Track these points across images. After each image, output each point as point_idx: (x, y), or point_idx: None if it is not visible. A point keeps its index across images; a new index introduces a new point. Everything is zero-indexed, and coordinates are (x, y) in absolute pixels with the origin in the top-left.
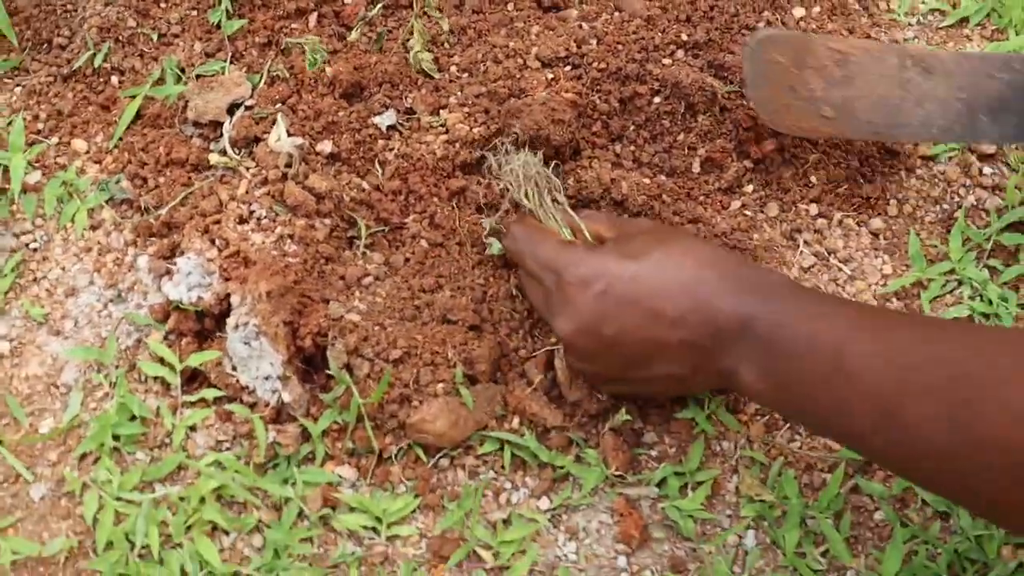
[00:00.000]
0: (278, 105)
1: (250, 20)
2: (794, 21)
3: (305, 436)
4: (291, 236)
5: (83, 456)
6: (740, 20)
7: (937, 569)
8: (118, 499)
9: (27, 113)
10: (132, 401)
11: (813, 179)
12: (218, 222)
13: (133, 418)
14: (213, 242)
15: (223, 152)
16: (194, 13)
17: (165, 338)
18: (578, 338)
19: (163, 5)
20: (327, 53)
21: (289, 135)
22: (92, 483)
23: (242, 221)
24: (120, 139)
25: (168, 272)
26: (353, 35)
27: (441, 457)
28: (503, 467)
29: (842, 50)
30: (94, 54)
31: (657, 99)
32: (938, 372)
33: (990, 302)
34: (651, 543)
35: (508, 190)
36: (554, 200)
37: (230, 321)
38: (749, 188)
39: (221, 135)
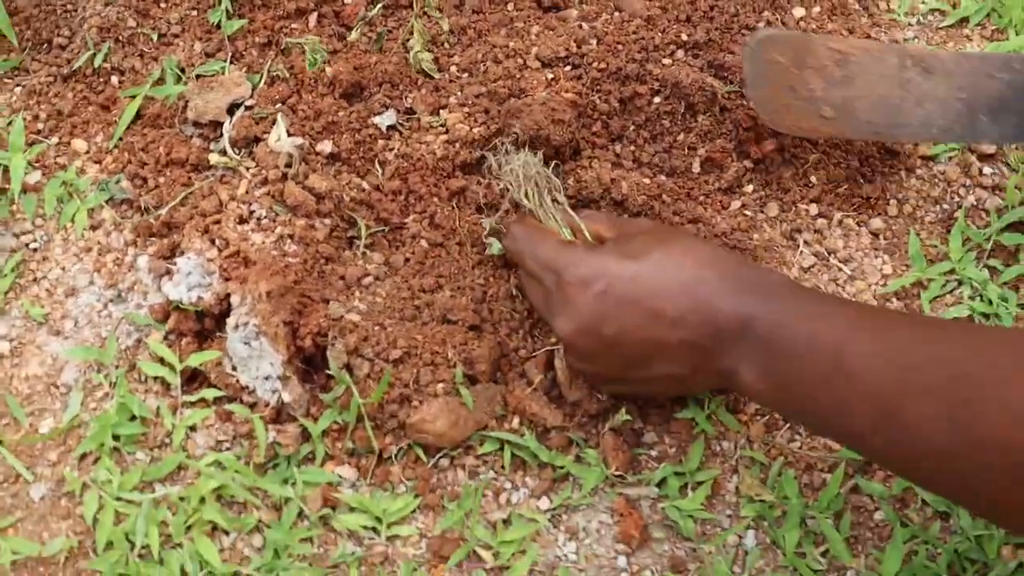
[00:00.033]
0: (278, 105)
1: (250, 20)
2: (794, 21)
3: (305, 436)
4: (291, 236)
5: (83, 456)
6: (740, 20)
7: (937, 569)
8: (118, 499)
9: (27, 113)
10: (132, 401)
11: (813, 179)
12: (218, 222)
13: (133, 418)
14: (213, 242)
15: (223, 152)
16: (194, 13)
17: (165, 338)
18: (578, 338)
19: (163, 5)
20: (327, 53)
21: (289, 135)
22: (92, 483)
23: (242, 221)
24: (120, 139)
25: (168, 272)
26: (353, 35)
27: (441, 457)
28: (503, 467)
29: (842, 50)
30: (94, 54)
31: (657, 99)
32: (938, 372)
33: (990, 302)
34: (651, 543)
35: (508, 190)
36: (554, 200)
37: (230, 321)
38: (749, 188)
39: (221, 135)
